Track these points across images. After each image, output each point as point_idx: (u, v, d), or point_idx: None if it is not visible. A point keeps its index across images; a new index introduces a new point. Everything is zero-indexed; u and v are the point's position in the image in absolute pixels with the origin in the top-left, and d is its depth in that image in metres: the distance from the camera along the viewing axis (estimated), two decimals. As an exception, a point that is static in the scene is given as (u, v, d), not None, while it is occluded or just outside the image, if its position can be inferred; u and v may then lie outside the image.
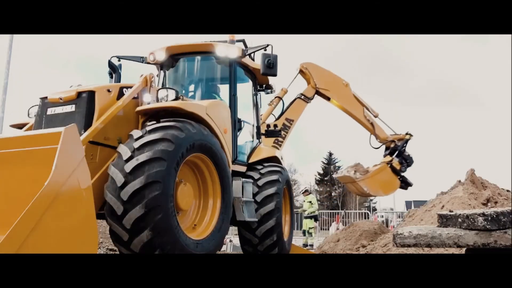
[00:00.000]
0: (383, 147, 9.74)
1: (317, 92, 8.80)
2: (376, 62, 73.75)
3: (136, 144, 3.90)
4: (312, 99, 8.73)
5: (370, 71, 72.52)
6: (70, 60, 67.84)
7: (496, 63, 76.77)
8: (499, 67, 72.92)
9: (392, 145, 9.42)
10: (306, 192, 15.34)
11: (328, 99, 8.81)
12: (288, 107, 8.58)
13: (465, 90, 79.55)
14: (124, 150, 3.91)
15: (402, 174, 9.36)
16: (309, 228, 14.21)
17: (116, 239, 3.89)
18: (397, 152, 9.25)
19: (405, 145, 9.38)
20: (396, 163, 9.24)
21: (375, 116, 9.31)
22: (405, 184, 9.46)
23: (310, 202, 14.53)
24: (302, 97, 8.52)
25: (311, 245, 13.53)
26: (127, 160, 3.83)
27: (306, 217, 14.34)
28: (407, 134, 9.49)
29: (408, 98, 79.76)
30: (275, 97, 8.45)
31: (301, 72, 8.90)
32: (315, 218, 14.63)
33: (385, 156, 9.52)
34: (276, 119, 8.47)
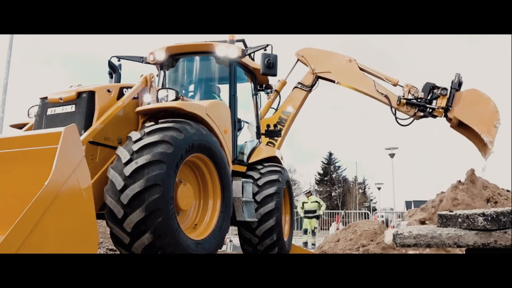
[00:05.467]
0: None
1: (320, 78, 8.21)
2: (374, 61, 73.72)
3: (135, 147, 3.89)
4: (312, 86, 8.18)
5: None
6: (55, 57, 67.69)
7: (494, 62, 76.79)
8: (497, 66, 72.93)
9: (420, 114, 7.40)
10: (309, 193, 15.58)
11: (334, 81, 8.11)
12: (286, 99, 8.31)
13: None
14: (123, 153, 3.90)
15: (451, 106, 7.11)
16: (314, 227, 14.35)
17: (117, 242, 3.89)
18: (424, 105, 7.27)
19: (413, 93, 7.37)
20: (439, 111, 7.22)
21: (394, 85, 7.71)
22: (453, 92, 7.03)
23: (318, 202, 14.65)
24: (299, 85, 8.17)
25: (314, 244, 13.63)
26: (126, 163, 3.82)
27: (312, 217, 14.40)
28: (397, 85, 7.65)
29: (408, 98, 79.51)
30: (273, 91, 7.96)
31: (299, 60, 8.44)
32: (318, 217, 14.81)
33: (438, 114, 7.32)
34: (275, 113, 8.35)
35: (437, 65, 74.02)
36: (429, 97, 7.26)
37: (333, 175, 52.22)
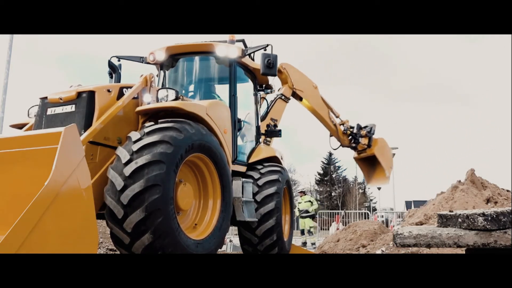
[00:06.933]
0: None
1: (292, 92, 8.72)
2: (374, 61, 73.76)
3: (135, 147, 3.89)
4: (289, 99, 8.65)
5: (366, 68, 72.55)
6: (51, 57, 67.60)
7: (495, 63, 76.80)
8: (499, 67, 72.94)
9: (353, 145, 9.44)
10: (302, 193, 15.79)
11: (300, 99, 8.76)
12: (271, 107, 8.59)
13: (463, 89, 79.56)
14: (123, 153, 3.90)
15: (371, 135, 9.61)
16: (310, 227, 14.42)
17: (117, 242, 3.89)
18: (358, 140, 9.39)
19: (349, 127, 9.38)
20: (362, 146, 9.46)
21: (337, 116, 9.35)
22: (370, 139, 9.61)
23: (310, 201, 14.77)
24: (283, 97, 8.38)
25: (313, 243, 13.67)
26: (126, 164, 3.82)
27: (305, 217, 14.51)
28: (338, 117, 9.43)
29: (405, 96, 79.81)
30: (260, 97, 8.13)
31: (278, 71, 8.61)
32: (313, 217, 14.90)
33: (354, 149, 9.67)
34: (261, 119, 8.45)
35: (437, 65, 74.02)
36: (357, 134, 9.54)
37: (333, 175, 52.22)
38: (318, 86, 8.90)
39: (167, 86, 5.82)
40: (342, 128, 9.27)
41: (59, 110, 4.25)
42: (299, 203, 14.93)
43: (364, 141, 9.60)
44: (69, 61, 70.16)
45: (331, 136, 9.24)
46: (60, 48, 68.43)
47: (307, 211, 14.53)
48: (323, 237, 14.20)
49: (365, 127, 9.71)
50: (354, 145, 9.52)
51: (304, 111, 9.00)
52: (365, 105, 77.38)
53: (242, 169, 5.97)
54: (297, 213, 14.71)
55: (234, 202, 5.26)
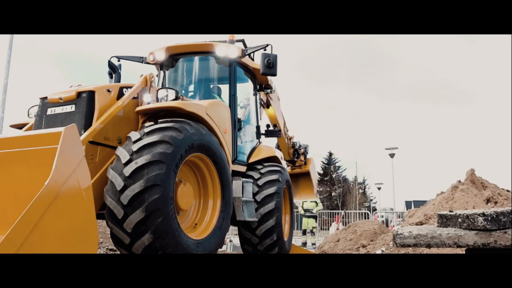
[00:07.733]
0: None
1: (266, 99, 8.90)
2: (372, 60, 73.78)
3: (135, 147, 3.89)
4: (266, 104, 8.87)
5: (366, 68, 72.59)
6: (48, 56, 67.51)
7: (495, 63, 76.82)
8: (500, 67, 72.97)
9: (294, 159, 9.74)
10: None
11: (268, 107, 8.77)
12: None
13: (464, 89, 79.62)
14: (122, 153, 3.90)
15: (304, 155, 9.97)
16: (313, 227, 14.44)
17: (117, 242, 3.89)
18: (299, 155, 9.75)
19: (296, 145, 9.78)
20: (300, 162, 9.86)
21: (287, 130, 9.60)
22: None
23: (316, 202, 14.74)
24: (262, 102, 8.50)
25: (313, 244, 13.68)
26: (126, 164, 3.82)
27: (309, 217, 14.52)
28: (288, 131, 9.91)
29: (405, 95, 79.87)
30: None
31: None
32: (315, 217, 14.89)
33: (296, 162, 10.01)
34: None
35: (437, 65, 74.05)
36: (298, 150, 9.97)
37: (333, 175, 52.23)
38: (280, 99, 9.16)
39: (167, 86, 5.82)
40: (289, 142, 9.56)
41: (59, 110, 4.25)
42: (304, 201, 14.89)
43: (302, 157, 10.07)
44: (69, 60, 70.23)
45: (278, 147, 9.40)
46: (59, 47, 68.47)
47: (311, 211, 14.55)
48: (323, 237, 14.21)
49: (301, 146, 10.19)
50: (295, 159, 9.88)
51: (303, 111, 9.03)
52: (365, 104, 77.41)
53: (242, 169, 5.97)
54: (301, 211, 14.71)
55: (234, 202, 5.27)
